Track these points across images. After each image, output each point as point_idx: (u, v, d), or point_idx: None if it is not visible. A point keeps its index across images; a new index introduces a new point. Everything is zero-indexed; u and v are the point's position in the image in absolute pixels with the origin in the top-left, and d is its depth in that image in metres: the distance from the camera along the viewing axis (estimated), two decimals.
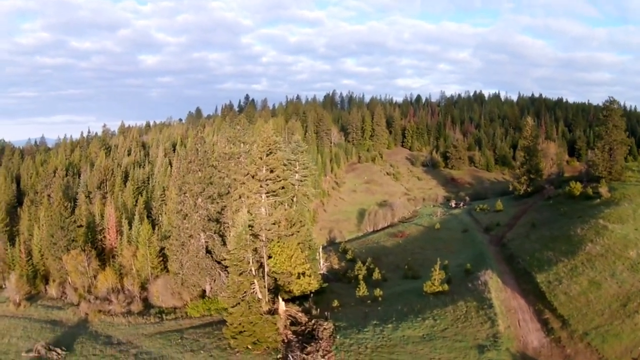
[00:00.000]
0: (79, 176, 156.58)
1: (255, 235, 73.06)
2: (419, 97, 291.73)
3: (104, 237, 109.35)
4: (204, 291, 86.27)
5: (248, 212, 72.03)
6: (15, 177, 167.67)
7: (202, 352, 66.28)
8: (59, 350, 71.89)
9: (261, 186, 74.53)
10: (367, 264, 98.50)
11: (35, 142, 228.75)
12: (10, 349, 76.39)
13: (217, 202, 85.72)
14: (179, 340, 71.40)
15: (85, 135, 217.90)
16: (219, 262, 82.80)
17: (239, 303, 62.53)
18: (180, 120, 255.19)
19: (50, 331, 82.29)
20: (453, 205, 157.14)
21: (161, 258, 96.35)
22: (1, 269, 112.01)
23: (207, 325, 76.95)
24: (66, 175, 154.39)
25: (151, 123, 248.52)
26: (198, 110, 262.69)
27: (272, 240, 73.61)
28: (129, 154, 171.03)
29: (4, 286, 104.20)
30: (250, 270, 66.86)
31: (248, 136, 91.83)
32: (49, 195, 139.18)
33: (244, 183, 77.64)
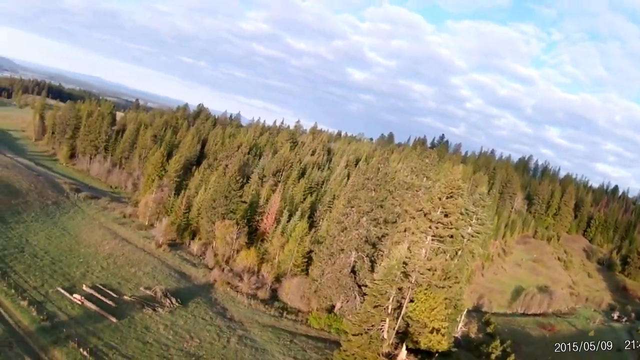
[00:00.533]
0: (260, 158, 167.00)
1: (406, 274, 70.13)
2: (615, 188, 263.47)
3: (261, 219, 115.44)
4: (333, 306, 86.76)
5: (408, 248, 69.29)
6: (202, 139, 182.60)
7: None
8: (173, 300, 77.73)
9: (430, 227, 71.27)
10: (505, 345, 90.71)
11: (231, 116, 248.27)
12: (132, 279, 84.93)
13: (381, 227, 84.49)
14: (288, 342, 72.68)
15: (277, 124, 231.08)
16: (359, 285, 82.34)
17: (362, 334, 61.37)
18: (371, 139, 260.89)
19: (174, 280, 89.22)
20: (615, 317, 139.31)
21: (306, 259, 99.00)
22: (158, 211, 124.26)
23: (321, 340, 77.39)
24: (248, 153, 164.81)
25: (342, 133, 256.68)
26: (390, 135, 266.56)
27: (421, 285, 69.93)
28: (312, 154, 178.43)
29: (155, 225, 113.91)
30: (387, 307, 64.13)
31: (433, 173, 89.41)
32: (226, 165, 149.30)
33: (413, 218, 75.07)
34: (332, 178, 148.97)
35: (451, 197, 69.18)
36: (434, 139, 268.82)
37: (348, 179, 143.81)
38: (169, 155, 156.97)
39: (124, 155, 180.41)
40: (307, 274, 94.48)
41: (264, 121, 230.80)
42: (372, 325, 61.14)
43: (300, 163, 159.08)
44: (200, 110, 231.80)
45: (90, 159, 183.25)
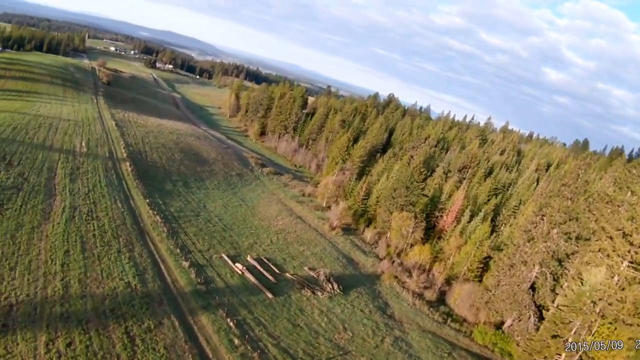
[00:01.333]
0: (446, 152, 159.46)
1: (593, 302, 58.91)
2: None
3: (441, 216, 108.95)
4: (502, 323, 77.54)
5: (604, 274, 58.23)
6: (390, 128, 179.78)
7: None
8: (335, 286, 75.03)
9: (629, 251, 58.93)
10: None
11: (421, 108, 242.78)
12: (299, 257, 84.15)
13: (572, 243, 72.46)
14: (446, 355, 65.50)
15: (467, 120, 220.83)
16: (536, 305, 72.30)
17: None
18: (564, 144, 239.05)
19: (341, 265, 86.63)
20: None
21: (482, 265, 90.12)
22: (337, 194, 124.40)
23: (482, 359, 68.03)
24: (435, 146, 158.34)
25: (533, 135, 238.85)
26: (585, 142, 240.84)
27: (606, 317, 58.19)
28: (501, 154, 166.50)
29: (331, 208, 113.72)
30: (567, 339, 54.33)
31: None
32: (411, 156, 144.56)
33: (611, 238, 62.66)
34: (520, 181, 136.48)
35: None
36: (632, 151, 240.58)
37: (537, 184, 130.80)
38: (355, 140, 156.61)
39: (311, 137, 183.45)
40: (480, 281, 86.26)
41: (454, 115, 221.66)
42: (545, 358, 51.95)
43: (488, 162, 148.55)
44: (390, 100, 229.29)
45: (279, 137, 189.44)
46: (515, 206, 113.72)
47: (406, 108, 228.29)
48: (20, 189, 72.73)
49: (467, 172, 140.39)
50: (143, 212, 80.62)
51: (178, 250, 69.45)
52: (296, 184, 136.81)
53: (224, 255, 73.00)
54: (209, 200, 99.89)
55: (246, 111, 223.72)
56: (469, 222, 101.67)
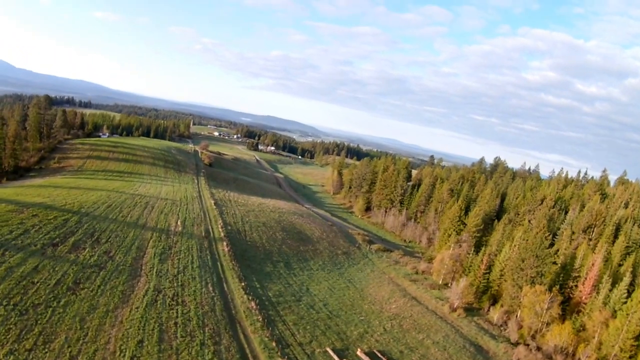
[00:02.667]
0: (565, 213, 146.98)
1: None
2: None
3: (575, 285, 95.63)
4: None
5: None
6: (501, 193, 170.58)
7: None
8: None
9: None
10: None
11: (529, 169, 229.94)
12: (418, 348, 74.36)
13: None
14: None
15: (581, 176, 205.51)
16: None
17: None
18: None
19: (469, 356, 76.35)
20: None
21: (638, 343, 75.44)
22: (455, 269, 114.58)
23: None
24: (553, 207, 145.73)
25: None
26: None
27: None
28: (625, 207, 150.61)
29: (449, 285, 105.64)
30: None
31: None
32: (529, 220, 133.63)
33: None
34: None
35: None
36: None
37: None
38: (467, 209, 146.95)
39: (419, 209, 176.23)
40: None
41: (567, 172, 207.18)
42: None
43: (613, 218, 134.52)
44: (497, 164, 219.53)
45: (385, 212, 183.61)
46: None
47: (515, 170, 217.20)
48: (103, 268, 69.86)
49: (593, 231, 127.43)
50: (237, 297, 75.11)
51: (274, 344, 62.06)
52: (408, 260, 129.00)
53: (329, 350, 65.17)
54: (313, 283, 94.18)
55: (349, 187, 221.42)
56: (611, 290, 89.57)
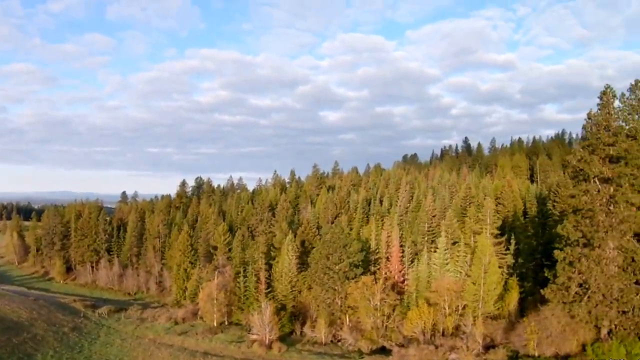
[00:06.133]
0: (298, 212, 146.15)
1: None
2: None
3: (379, 268, 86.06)
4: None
5: None
6: (221, 211, 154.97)
7: None
8: None
9: None
10: None
11: (233, 184, 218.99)
12: None
13: None
14: None
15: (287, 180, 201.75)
16: None
17: None
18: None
19: None
20: None
21: None
22: (231, 301, 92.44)
23: None
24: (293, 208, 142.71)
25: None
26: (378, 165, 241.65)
27: None
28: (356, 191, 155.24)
29: (225, 323, 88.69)
30: None
31: None
32: (271, 224, 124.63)
33: None
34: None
35: None
36: (456, 146, 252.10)
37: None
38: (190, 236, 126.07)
39: (133, 253, 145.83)
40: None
41: (279, 177, 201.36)
42: None
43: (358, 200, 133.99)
44: (201, 184, 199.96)
45: (93, 267, 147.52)
46: None
47: (223, 188, 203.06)
48: None
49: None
50: None
51: None
52: (153, 314, 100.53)
53: None
54: None
55: (38, 250, 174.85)
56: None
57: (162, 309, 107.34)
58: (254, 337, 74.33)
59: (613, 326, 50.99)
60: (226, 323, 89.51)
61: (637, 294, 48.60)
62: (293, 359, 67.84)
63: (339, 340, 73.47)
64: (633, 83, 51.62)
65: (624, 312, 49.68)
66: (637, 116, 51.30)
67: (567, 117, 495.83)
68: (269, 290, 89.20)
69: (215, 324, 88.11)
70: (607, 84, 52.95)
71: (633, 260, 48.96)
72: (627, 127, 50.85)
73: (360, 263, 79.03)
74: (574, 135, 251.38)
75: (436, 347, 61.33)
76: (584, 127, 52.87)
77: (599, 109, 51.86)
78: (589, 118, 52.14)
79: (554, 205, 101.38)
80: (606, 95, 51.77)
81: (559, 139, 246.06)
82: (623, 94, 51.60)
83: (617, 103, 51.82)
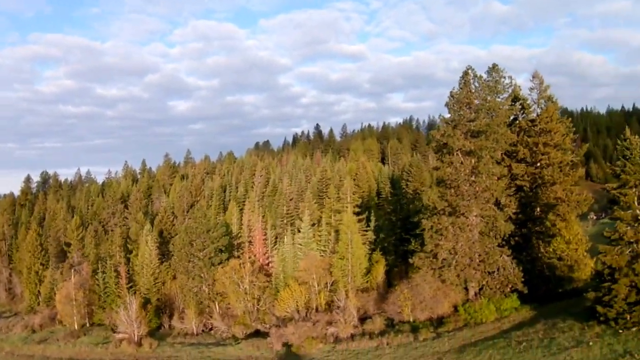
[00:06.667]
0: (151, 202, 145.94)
1: None
2: None
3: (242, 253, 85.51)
4: None
5: None
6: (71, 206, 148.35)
7: None
8: None
9: None
10: None
11: (81, 177, 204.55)
12: None
13: None
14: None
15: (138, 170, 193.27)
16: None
17: None
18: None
19: None
20: None
21: None
22: (91, 301, 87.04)
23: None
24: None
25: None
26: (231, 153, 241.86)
27: None
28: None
29: (87, 325, 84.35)
30: None
31: None
32: (125, 218, 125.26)
33: None
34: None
35: None
36: (308, 132, 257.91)
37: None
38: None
39: None
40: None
41: (130, 167, 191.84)
42: None
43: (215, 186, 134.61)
44: (47, 179, 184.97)
45: None
46: None
47: (70, 182, 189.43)
48: None
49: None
50: None
51: None
52: (9, 323, 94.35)
53: None
54: None
55: None
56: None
57: (15, 317, 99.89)
58: (121, 335, 71.25)
59: (481, 287, 55.55)
60: (88, 325, 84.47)
61: (501, 256, 53.41)
62: (166, 353, 65.83)
63: (210, 329, 72.57)
64: (491, 66, 56.82)
65: (489, 273, 54.38)
66: (494, 96, 56.09)
67: (412, 106, 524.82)
68: (130, 285, 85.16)
69: (76, 327, 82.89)
70: (468, 65, 57.33)
71: (494, 225, 53.50)
72: (486, 104, 55.30)
73: (225, 248, 78.71)
74: (420, 122, 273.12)
75: (313, 324, 62.30)
76: (446, 105, 56.61)
77: (460, 88, 56.04)
78: (452, 96, 56.09)
79: (407, 184, 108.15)
80: (467, 75, 56.20)
81: (407, 124, 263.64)
82: (481, 76, 56.14)
83: (476, 84, 56.42)
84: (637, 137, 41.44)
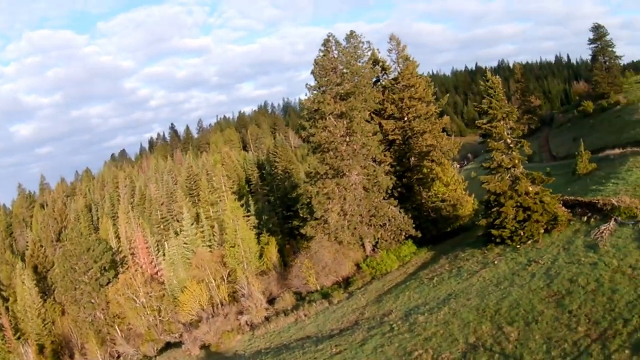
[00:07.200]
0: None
1: None
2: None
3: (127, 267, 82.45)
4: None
5: None
6: None
7: None
8: None
9: None
10: None
11: None
12: None
13: None
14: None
15: None
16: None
17: None
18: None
19: None
20: None
21: None
22: None
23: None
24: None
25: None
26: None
27: None
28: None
29: None
30: None
31: None
32: None
33: None
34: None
35: None
36: (164, 134, 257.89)
37: None
38: None
39: None
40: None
41: None
42: None
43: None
44: None
45: None
46: None
47: None
48: None
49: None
50: None
51: None
52: None
53: None
54: None
55: None
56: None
57: None
58: None
59: (376, 240, 57.53)
60: None
61: (389, 208, 55.59)
62: None
63: (118, 357, 67.53)
64: (348, 33, 57.71)
65: (381, 226, 56.21)
66: (355, 60, 57.89)
67: (265, 92, 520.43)
68: (18, 335, 77.28)
69: None
70: (329, 32, 58.10)
71: (377, 180, 55.57)
72: (351, 68, 56.90)
73: (109, 265, 74.33)
74: (275, 105, 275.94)
75: (225, 317, 60.95)
76: (312, 72, 57.21)
77: (324, 55, 56.77)
78: (316, 63, 56.58)
79: (275, 165, 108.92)
80: (329, 42, 56.70)
81: (262, 109, 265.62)
82: (339, 43, 57.44)
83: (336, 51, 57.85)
84: (497, 77, 45.63)
